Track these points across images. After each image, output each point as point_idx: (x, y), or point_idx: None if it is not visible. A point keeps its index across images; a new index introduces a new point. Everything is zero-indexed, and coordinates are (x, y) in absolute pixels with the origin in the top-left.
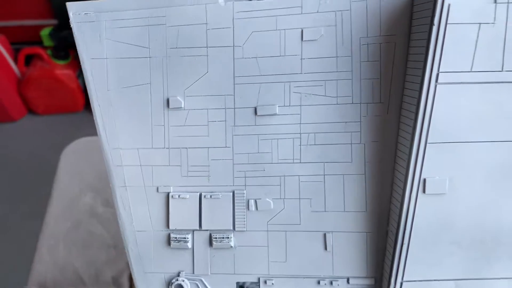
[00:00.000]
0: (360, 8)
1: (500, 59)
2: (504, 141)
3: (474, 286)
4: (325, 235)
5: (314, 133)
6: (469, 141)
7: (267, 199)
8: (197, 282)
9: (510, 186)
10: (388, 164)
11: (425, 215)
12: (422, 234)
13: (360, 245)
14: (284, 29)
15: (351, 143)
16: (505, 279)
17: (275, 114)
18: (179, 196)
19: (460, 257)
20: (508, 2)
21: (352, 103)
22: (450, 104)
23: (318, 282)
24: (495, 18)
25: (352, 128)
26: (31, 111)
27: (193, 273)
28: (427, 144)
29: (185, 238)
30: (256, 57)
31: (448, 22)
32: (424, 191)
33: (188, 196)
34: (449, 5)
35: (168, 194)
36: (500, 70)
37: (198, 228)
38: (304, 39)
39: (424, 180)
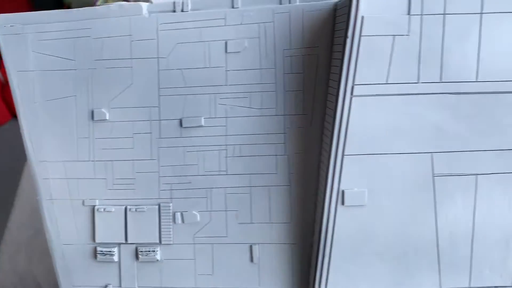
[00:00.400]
0: (283, 20)
1: (416, 70)
2: (422, 153)
3: None
4: (251, 247)
5: (240, 145)
6: (387, 153)
7: (194, 212)
8: None
9: (428, 197)
10: (312, 176)
11: (345, 227)
12: (344, 245)
13: (286, 257)
14: (209, 41)
15: (276, 155)
16: None
17: (200, 126)
18: (104, 209)
19: (383, 268)
20: (422, 14)
21: (276, 115)
22: (367, 116)
23: None
24: (409, 30)
25: (276, 139)
26: (15, 116)
27: (120, 286)
28: (344, 156)
29: (111, 251)
30: (181, 69)
31: (362, 34)
32: (343, 203)
33: (113, 210)
34: (362, 17)
35: (94, 207)
36: (416, 82)
37: (124, 242)
38: (228, 51)
39: (343, 192)
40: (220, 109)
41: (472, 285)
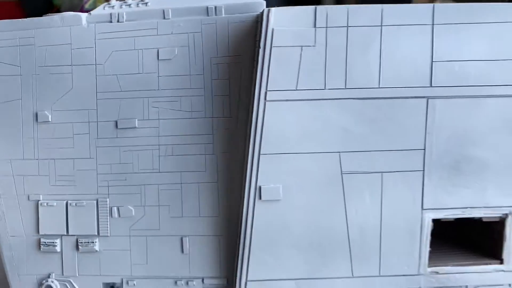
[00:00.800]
0: (210, 31)
1: (323, 78)
2: (330, 152)
3: (313, 285)
4: (182, 239)
5: (171, 145)
6: (299, 152)
7: (129, 207)
8: (66, 283)
9: (338, 193)
10: (237, 173)
11: (263, 220)
12: (262, 237)
13: (214, 248)
14: (142, 49)
15: (204, 154)
16: (340, 278)
17: (134, 128)
18: (47, 204)
19: (300, 258)
20: (326, 27)
21: (205, 117)
22: (280, 119)
23: (175, 283)
24: (315, 41)
25: (205, 140)
26: None
27: (62, 274)
28: (260, 155)
29: (53, 242)
30: (116, 75)
31: (272, 45)
32: (260, 197)
33: (55, 204)
34: (273, 30)
35: (38, 202)
36: (323, 88)
37: (65, 234)
38: (160, 58)
39: (260, 187)
40: (153, 112)
41: (381, 274)
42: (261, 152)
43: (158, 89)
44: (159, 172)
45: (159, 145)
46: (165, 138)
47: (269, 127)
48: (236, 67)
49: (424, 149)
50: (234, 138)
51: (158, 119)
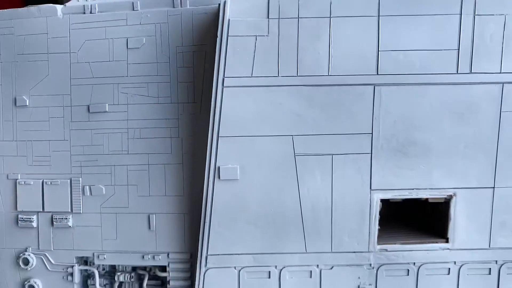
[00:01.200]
0: (175, 21)
1: (276, 66)
2: (284, 135)
3: (269, 259)
4: (149, 216)
5: (140, 128)
6: (254, 135)
7: (100, 186)
8: (41, 256)
9: (291, 173)
10: (201, 155)
11: (222, 198)
12: (221, 214)
13: (179, 225)
14: (112, 38)
15: (170, 137)
16: (296, 254)
17: (105, 112)
18: (24, 182)
19: (257, 234)
20: (279, 18)
21: (171, 102)
22: (237, 104)
23: (143, 257)
24: (268, 31)
25: (171, 124)
26: None
27: (38, 248)
28: (219, 137)
29: (30, 218)
30: (89, 62)
31: (229, 34)
32: (219, 177)
33: (32, 183)
34: (229, 20)
35: (16, 180)
36: (277, 75)
37: (41, 210)
38: (129, 47)
39: (219, 168)
40: (122, 97)
41: (333, 250)
42: (219, 135)
43: (127, 76)
44: (128, 153)
45: (127, 128)
46: (134, 122)
47: (227, 111)
48: (200, 55)
49: (372, 133)
50: (198, 122)
51: (127, 104)
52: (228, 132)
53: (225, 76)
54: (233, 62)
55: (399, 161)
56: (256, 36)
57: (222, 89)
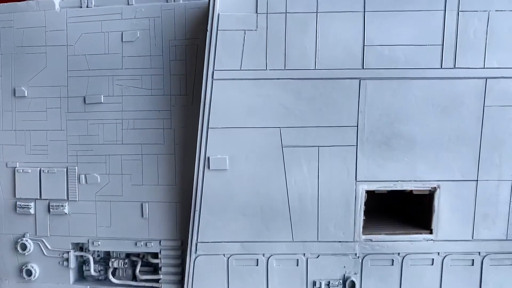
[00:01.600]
0: (169, 16)
1: (264, 59)
2: (272, 127)
3: (257, 247)
4: (142, 204)
5: (134, 119)
6: (243, 127)
7: (95, 174)
8: (39, 242)
9: (279, 164)
10: (193, 146)
11: (212, 188)
12: (211, 203)
13: (170, 213)
14: (108, 32)
15: (163, 128)
16: (283, 242)
17: (100, 103)
18: (23, 170)
19: (245, 223)
20: (267, 13)
21: (164, 94)
22: (226, 97)
23: (135, 244)
24: (257, 26)
25: (164, 115)
26: None
27: (36, 234)
28: (209, 129)
29: (28, 205)
30: (85, 55)
31: (218, 28)
32: (209, 167)
33: (30, 171)
34: (218, 15)
35: (14, 168)
36: (265, 69)
37: (39, 197)
38: (123, 40)
39: (208, 158)
40: (117, 89)
41: (320, 240)
42: (209, 126)
43: (122, 68)
44: (122, 143)
45: (122, 119)
46: (128, 113)
47: (217, 103)
48: (192, 49)
49: (357, 126)
50: (190, 114)
51: (122, 95)
52: (217, 123)
53: (214, 69)
54: (223, 55)
55: (384, 154)
56: (245, 30)
57: (212, 81)
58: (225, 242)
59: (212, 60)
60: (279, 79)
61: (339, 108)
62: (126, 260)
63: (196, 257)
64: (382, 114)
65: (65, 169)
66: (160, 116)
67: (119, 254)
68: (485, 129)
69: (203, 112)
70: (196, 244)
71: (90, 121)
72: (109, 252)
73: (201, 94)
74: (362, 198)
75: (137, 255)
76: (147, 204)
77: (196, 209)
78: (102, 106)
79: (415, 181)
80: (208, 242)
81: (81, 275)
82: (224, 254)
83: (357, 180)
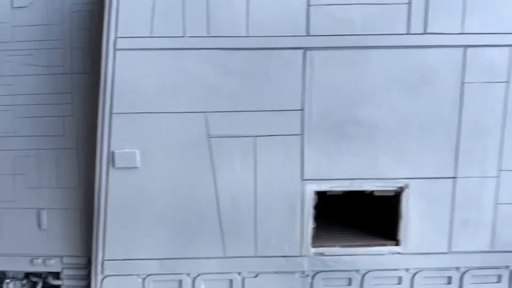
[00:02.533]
0: None
1: (181, 23)
2: (195, 112)
3: (180, 265)
4: (39, 212)
5: (27, 105)
6: (158, 112)
7: None
8: None
9: (205, 159)
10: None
11: (119, 191)
12: (120, 211)
13: (74, 222)
14: None
15: (63, 116)
16: (213, 259)
17: None
18: None
19: (164, 235)
20: None
21: (64, 73)
22: (135, 73)
23: (32, 261)
24: None
25: (63, 100)
26: None
27: None
28: (112, 114)
29: None
30: None
31: None
32: (114, 164)
33: None
34: None
35: None
36: (182, 35)
37: None
38: (14, 5)
39: (113, 153)
40: (7, 68)
41: (258, 254)
42: (112, 111)
43: (13, 41)
44: (14, 136)
45: (13, 105)
46: (21, 98)
47: (122, 81)
48: (99, 15)
49: (303, 110)
50: (97, 97)
51: (13, 75)
52: (124, 107)
53: (117, 35)
54: (128, 18)
55: (338, 145)
56: None
57: (114, 52)
58: (139, 259)
59: (114, 26)
60: (201, 49)
61: (278, 87)
62: (25, 281)
63: (103, 278)
64: (334, 94)
65: None
66: (59, 101)
67: (17, 274)
68: (465, 112)
69: (104, 93)
70: (103, 262)
71: None
72: (4, 272)
73: (101, 69)
74: (310, 201)
75: (39, 274)
76: (45, 211)
77: (100, 219)
78: None
79: (377, 179)
80: (118, 259)
81: None
82: (138, 275)
83: (304, 178)
